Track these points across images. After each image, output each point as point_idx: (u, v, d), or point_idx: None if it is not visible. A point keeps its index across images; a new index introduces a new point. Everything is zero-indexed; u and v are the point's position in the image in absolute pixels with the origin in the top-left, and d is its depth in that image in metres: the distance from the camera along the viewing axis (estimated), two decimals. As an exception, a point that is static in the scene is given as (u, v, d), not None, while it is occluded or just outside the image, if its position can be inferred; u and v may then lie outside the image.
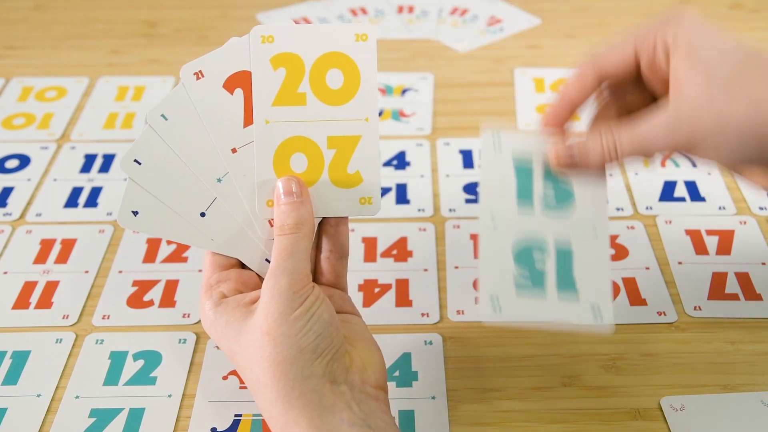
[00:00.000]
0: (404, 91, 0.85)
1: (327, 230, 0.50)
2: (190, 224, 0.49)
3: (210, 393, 0.55)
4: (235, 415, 0.53)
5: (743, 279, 0.62)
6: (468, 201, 0.71)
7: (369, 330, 0.49)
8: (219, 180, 0.48)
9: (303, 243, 0.46)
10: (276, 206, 0.47)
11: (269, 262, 0.49)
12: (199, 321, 0.60)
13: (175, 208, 0.49)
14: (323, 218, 0.50)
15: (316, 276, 0.50)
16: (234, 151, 0.48)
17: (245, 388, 0.55)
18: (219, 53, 0.47)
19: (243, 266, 0.50)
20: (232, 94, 0.47)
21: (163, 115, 0.47)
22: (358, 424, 0.42)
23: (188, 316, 0.60)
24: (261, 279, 0.50)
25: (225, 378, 0.56)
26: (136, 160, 0.48)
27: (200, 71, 0.47)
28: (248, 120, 0.48)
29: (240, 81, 0.47)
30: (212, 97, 0.47)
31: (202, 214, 0.49)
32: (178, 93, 0.47)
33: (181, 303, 0.61)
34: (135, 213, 0.48)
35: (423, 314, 0.60)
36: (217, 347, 0.57)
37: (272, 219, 0.48)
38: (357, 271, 0.63)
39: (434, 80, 0.87)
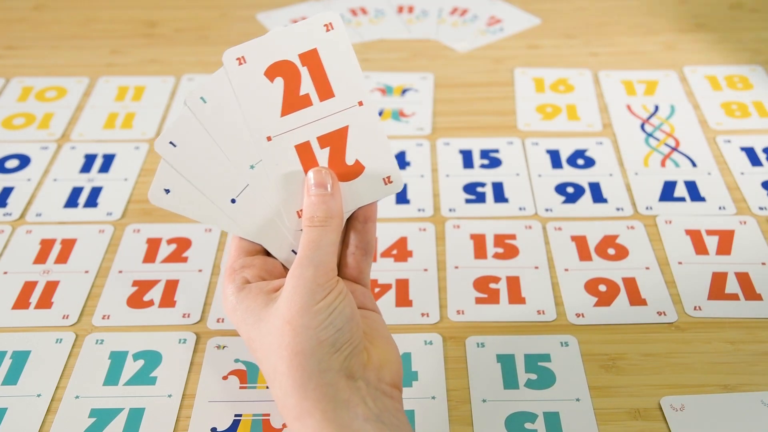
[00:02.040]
0: (404, 91, 0.85)
1: (355, 226, 0.50)
2: (220, 209, 0.49)
3: (210, 393, 0.55)
4: (235, 415, 0.53)
5: (743, 279, 0.62)
6: (468, 201, 0.71)
7: (387, 328, 0.49)
8: (252, 167, 0.48)
9: (331, 236, 0.46)
10: (306, 197, 0.48)
11: (295, 253, 0.49)
12: (200, 321, 0.60)
13: (207, 192, 0.49)
14: (351, 214, 0.50)
15: (340, 270, 0.50)
16: (269, 139, 0.48)
17: (245, 387, 0.55)
18: (263, 41, 0.47)
19: (268, 254, 0.51)
20: (272, 82, 0.47)
21: (202, 98, 0.47)
22: (372, 420, 0.42)
23: (188, 316, 0.60)
24: (285, 269, 0.50)
25: (225, 378, 0.56)
26: (171, 142, 0.48)
27: (243, 57, 0.47)
28: (286, 109, 0.48)
29: (281, 70, 0.47)
30: (252, 84, 0.47)
31: (233, 201, 0.49)
32: (218, 77, 0.47)
33: (181, 303, 0.61)
34: (167, 191, 0.49)
35: (423, 314, 0.60)
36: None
37: (301, 210, 0.49)
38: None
39: (434, 80, 0.87)
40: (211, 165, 0.48)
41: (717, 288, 0.62)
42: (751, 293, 0.61)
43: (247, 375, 0.56)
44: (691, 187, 0.72)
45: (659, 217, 0.68)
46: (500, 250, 0.65)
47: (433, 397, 0.54)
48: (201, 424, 0.53)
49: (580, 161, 0.75)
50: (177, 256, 0.65)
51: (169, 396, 0.55)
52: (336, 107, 0.48)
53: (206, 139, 0.48)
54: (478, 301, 0.61)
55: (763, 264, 0.64)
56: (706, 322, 0.59)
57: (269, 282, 0.48)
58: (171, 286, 0.63)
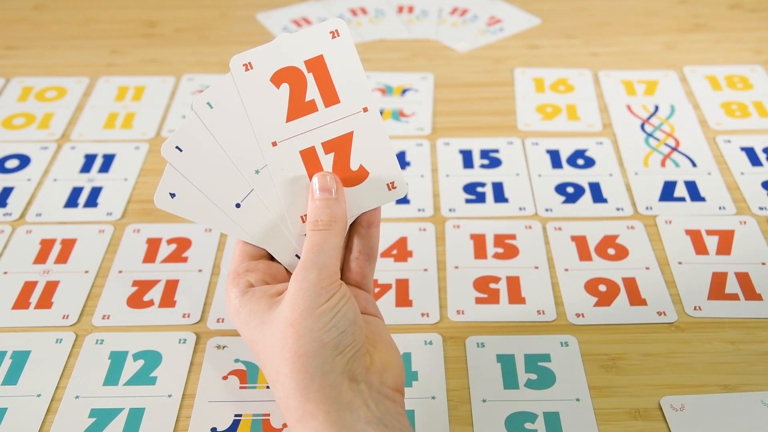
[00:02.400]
0: (404, 91, 0.85)
1: (358, 231, 0.50)
2: (225, 214, 0.49)
3: (210, 393, 0.55)
4: (235, 415, 0.53)
5: (743, 279, 0.62)
6: (468, 201, 0.71)
7: (390, 333, 0.49)
8: (257, 172, 0.48)
9: (334, 240, 0.46)
10: (310, 201, 0.48)
11: (299, 257, 0.49)
12: (200, 321, 0.60)
13: (212, 196, 0.49)
14: (355, 219, 0.50)
15: (343, 275, 0.50)
16: (274, 144, 0.48)
17: (245, 387, 0.55)
18: (270, 47, 0.48)
19: (272, 258, 0.51)
20: (278, 88, 0.48)
21: (208, 103, 0.48)
22: (374, 422, 0.42)
23: (188, 316, 0.60)
24: (289, 273, 0.50)
25: (225, 378, 0.56)
26: (177, 147, 0.48)
27: (250, 63, 0.47)
28: (291, 115, 0.48)
29: (287, 76, 0.48)
30: (258, 90, 0.48)
31: (237, 205, 0.49)
32: (225, 82, 0.48)
33: (181, 303, 0.61)
34: (172, 195, 0.49)
35: (423, 314, 0.60)
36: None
37: (305, 215, 0.49)
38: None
39: (434, 80, 0.87)
40: (217, 170, 0.48)
41: (717, 288, 0.62)
42: (751, 293, 0.61)
43: (247, 375, 0.56)
44: (691, 187, 0.72)
45: (659, 217, 0.68)
46: (500, 250, 0.65)
47: (433, 397, 0.54)
48: (201, 424, 0.53)
49: (580, 161, 0.75)
50: (177, 256, 0.65)
51: (169, 396, 0.55)
52: (341, 113, 0.48)
53: (212, 144, 0.48)
54: (478, 301, 0.61)
55: (763, 264, 0.64)
56: (706, 322, 0.59)
57: (273, 286, 0.48)
58: (171, 286, 0.63)
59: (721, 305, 0.60)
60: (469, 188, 0.72)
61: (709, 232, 0.67)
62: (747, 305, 0.60)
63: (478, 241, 0.66)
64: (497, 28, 0.96)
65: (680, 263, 0.64)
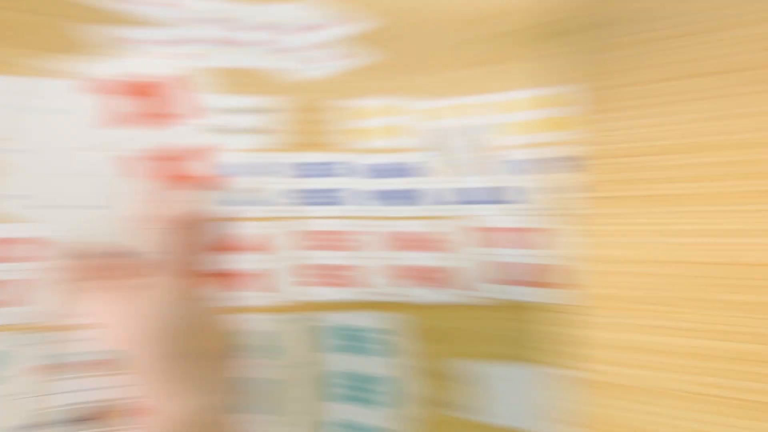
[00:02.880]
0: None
1: (198, 226, 0.51)
2: (70, 217, 0.50)
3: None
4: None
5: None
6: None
7: (223, 314, 0.51)
8: (86, 173, 0.49)
9: (172, 237, 0.48)
10: (143, 202, 0.49)
11: (139, 253, 0.49)
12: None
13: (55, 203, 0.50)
14: (194, 215, 0.50)
15: (185, 268, 0.50)
16: (97, 149, 0.49)
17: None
18: (109, 61, 0.49)
19: (115, 254, 0.51)
20: (103, 97, 0.49)
21: (38, 108, 0.49)
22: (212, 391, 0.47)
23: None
24: (129, 268, 0.50)
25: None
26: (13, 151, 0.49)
27: (84, 73, 0.49)
28: (118, 123, 0.49)
29: (115, 89, 0.49)
30: (83, 97, 0.48)
31: (77, 208, 0.50)
32: (55, 87, 0.48)
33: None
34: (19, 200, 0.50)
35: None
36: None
37: (138, 213, 0.49)
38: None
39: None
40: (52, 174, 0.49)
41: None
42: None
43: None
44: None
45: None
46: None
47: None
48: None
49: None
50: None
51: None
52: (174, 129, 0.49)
53: (41, 148, 0.49)
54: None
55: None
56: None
57: (115, 280, 0.49)
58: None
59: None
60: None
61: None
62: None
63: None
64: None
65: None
